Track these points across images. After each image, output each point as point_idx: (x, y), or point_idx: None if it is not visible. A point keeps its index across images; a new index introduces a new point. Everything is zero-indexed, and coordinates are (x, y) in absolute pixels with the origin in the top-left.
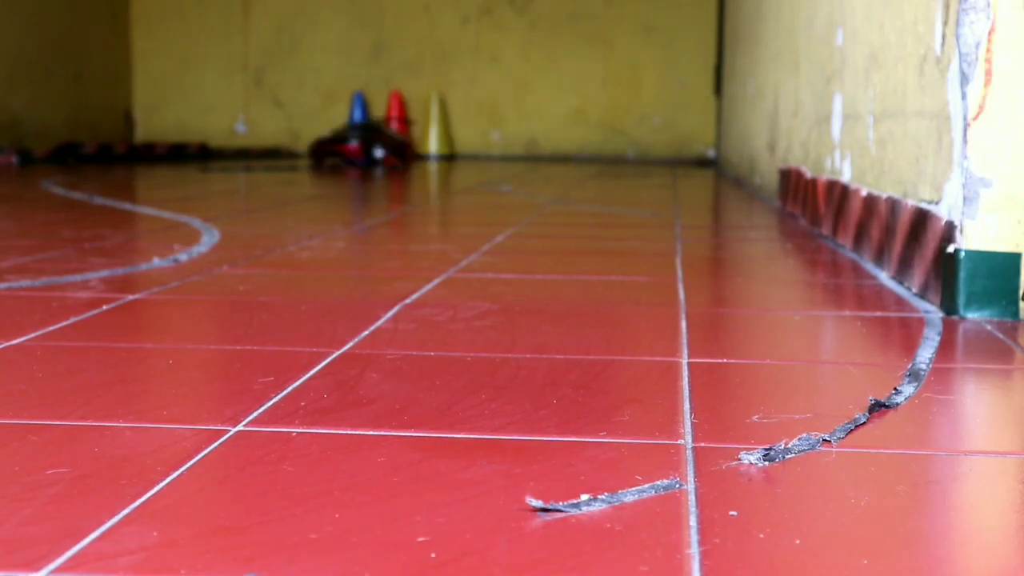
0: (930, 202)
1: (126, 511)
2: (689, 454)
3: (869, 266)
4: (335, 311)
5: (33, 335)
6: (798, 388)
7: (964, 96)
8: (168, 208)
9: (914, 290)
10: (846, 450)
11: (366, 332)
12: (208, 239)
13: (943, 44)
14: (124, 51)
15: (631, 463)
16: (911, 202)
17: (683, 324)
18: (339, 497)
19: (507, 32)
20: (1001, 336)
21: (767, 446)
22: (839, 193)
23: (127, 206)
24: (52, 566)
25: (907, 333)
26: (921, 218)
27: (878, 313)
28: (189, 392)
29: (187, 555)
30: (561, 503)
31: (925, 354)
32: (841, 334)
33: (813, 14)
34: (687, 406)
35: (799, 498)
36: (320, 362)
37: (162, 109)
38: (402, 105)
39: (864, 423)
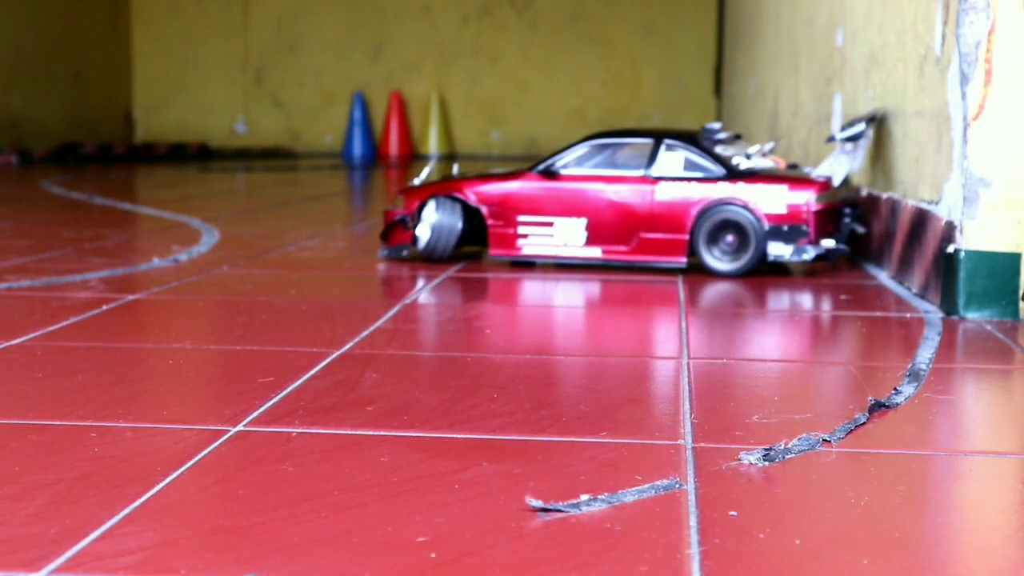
0: (930, 202)
1: (126, 511)
2: (689, 454)
3: (869, 266)
4: (335, 311)
5: (33, 335)
6: (798, 388)
7: (964, 96)
8: (168, 208)
9: (914, 290)
10: (846, 450)
11: (366, 332)
12: (208, 239)
13: (943, 44)
14: (124, 51)
15: (631, 463)
16: (911, 202)
17: (683, 324)
18: (339, 497)
19: (507, 32)
20: (1001, 336)
21: (767, 446)
22: None
23: (127, 206)
24: (52, 566)
25: (907, 333)
26: (921, 218)
27: (878, 313)
28: (189, 392)
29: (187, 555)
30: (561, 503)
31: (925, 354)
32: (841, 334)
33: (813, 14)
34: (687, 406)
35: (799, 498)
36: (320, 362)
37: (162, 109)
38: (402, 105)
39: (864, 423)
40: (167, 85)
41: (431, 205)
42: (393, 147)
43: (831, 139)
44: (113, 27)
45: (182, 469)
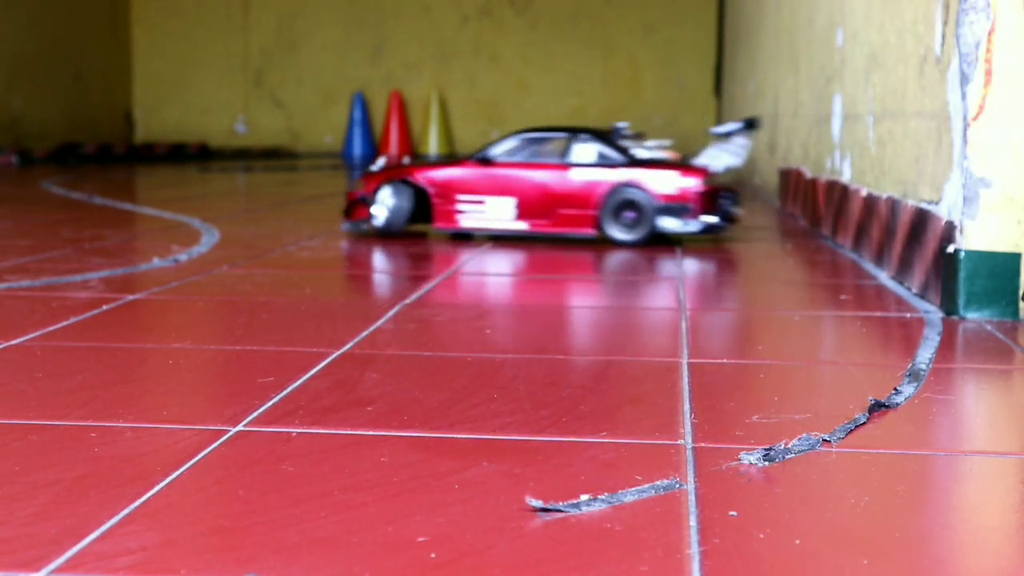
0: (930, 202)
1: (126, 511)
2: (689, 454)
3: (869, 266)
4: (335, 311)
5: (33, 335)
6: (798, 388)
7: (964, 96)
8: (168, 208)
9: (914, 290)
10: (846, 450)
11: (366, 332)
12: (208, 239)
13: (943, 44)
14: (124, 51)
15: (631, 463)
16: (911, 202)
17: (683, 324)
18: (339, 497)
19: (507, 32)
20: (1001, 336)
21: (767, 446)
22: (839, 193)
23: (127, 206)
24: (52, 566)
25: (907, 333)
26: (921, 218)
27: (878, 313)
28: (189, 392)
29: (187, 555)
30: (561, 503)
31: (925, 354)
32: (841, 334)
33: (813, 14)
34: (687, 406)
35: (799, 498)
36: (320, 362)
37: (162, 109)
38: (402, 105)
39: (864, 423)
40: (167, 85)
41: (387, 188)
42: (393, 147)
43: (710, 132)
44: (113, 27)
45: (182, 469)
